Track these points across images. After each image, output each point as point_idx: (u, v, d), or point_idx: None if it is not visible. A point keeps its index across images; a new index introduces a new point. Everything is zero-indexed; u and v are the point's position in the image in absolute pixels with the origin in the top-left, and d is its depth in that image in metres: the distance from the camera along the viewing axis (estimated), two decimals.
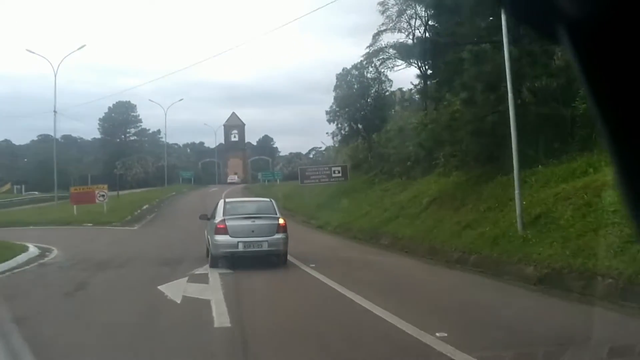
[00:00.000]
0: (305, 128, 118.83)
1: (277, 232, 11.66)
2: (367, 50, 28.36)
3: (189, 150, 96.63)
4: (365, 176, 30.74)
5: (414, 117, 24.65)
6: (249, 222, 11.66)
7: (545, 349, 5.14)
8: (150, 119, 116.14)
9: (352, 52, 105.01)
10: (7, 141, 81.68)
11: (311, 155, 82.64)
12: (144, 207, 34.97)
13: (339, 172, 30.79)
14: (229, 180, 73.98)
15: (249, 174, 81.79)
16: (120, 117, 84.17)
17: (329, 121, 35.60)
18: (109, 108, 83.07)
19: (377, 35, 26.62)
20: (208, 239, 12.37)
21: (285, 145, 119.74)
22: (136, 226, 26.16)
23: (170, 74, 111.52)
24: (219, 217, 11.86)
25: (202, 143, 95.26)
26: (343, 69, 34.39)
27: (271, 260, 11.64)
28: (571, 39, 0.75)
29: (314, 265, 11.32)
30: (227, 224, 11.49)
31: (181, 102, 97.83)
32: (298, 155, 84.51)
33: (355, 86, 33.73)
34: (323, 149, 68.06)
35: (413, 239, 14.76)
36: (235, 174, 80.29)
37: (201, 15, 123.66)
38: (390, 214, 18.45)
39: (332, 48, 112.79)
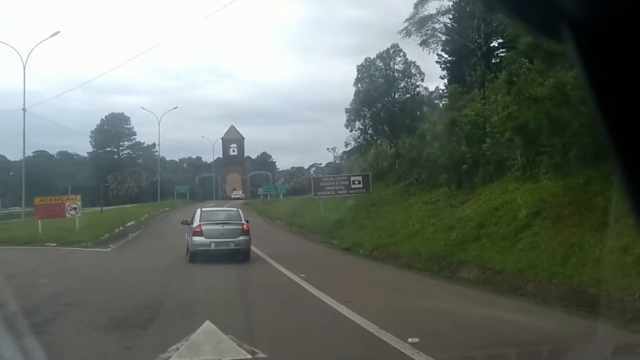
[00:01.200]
0: (303, 146, 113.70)
1: (242, 234, 14.28)
2: (406, 24, 22.69)
3: (185, 166, 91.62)
4: (394, 186, 25.35)
5: (468, 108, 19.28)
6: (219, 226, 14.35)
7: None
8: (145, 135, 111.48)
9: (351, 71, 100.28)
10: (1, 157, 77.38)
11: (312, 172, 77.88)
12: (129, 223, 29.98)
13: (359, 183, 26.02)
14: (233, 196, 68.27)
15: (248, 189, 76.83)
16: (113, 129, 79.56)
17: (349, 121, 29.82)
18: (102, 120, 79.34)
19: (419, 4, 21.06)
20: (188, 240, 14.81)
21: (283, 163, 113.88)
22: (111, 247, 20.52)
23: (166, 92, 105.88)
24: (196, 222, 14.43)
25: (199, 158, 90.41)
26: (366, 59, 28.82)
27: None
28: (575, 38, 0.73)
29: (415, 340, 5.61)
30: (202, 228, 14.09)
31: (178, 120, 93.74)
32: (300, 169, 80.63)
33: (380, 80, 28.17)
34: (323, 165, 63.28)
35: (526, 275, 9.19)
36: (234, 189, 75.26)
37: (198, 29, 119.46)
38: (461, 234, 12.86)
39: (329, 67, 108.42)
